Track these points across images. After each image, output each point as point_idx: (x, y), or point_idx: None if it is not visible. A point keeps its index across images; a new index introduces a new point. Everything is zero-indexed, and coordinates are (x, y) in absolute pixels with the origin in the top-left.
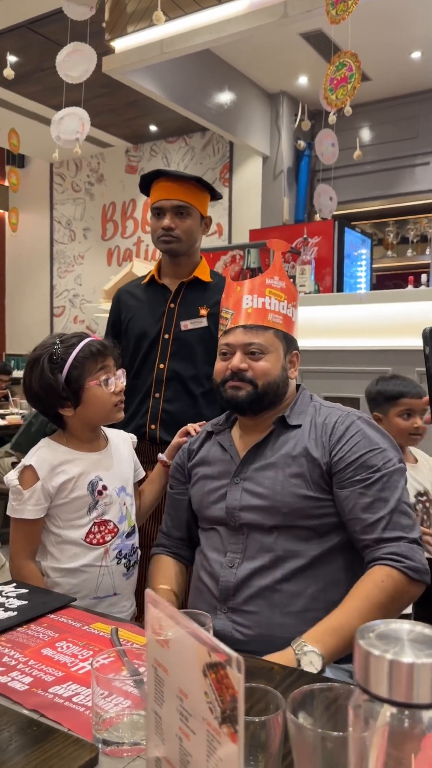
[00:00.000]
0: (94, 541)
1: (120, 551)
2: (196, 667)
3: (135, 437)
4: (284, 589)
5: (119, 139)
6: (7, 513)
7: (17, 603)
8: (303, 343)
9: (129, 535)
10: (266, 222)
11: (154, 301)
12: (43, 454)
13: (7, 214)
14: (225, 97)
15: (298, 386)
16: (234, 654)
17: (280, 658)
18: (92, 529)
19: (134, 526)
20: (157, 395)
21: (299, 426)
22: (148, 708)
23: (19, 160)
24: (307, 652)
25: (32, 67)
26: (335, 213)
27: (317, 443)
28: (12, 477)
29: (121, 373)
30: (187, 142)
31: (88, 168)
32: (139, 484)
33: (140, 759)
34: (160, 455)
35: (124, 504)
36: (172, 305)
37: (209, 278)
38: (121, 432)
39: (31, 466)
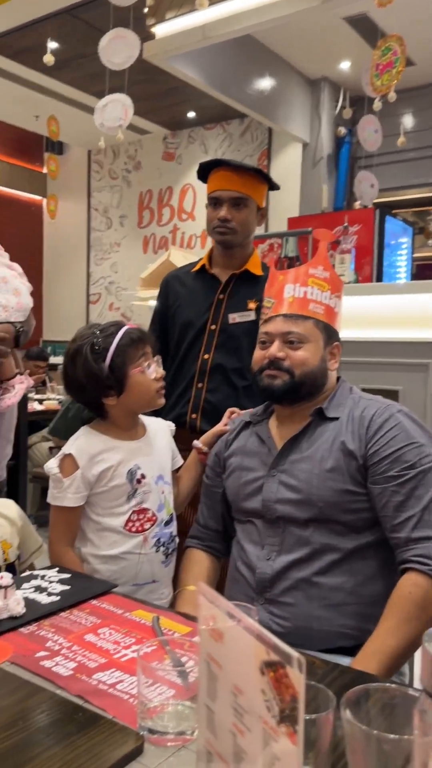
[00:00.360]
0: (133, 529)
1: (159, 539)
2: (252, 664)
3: (173, 425)
4: (322, 582)
5: (157, 126)
6: (48, 500)
7: (60, 588)
8: (341, 333)
9: (167, 523)
10: (304, 210)
11: (202, 291)
12: (83, 442)
13: (45, 201)
14: (265, 83)
15: (338, 378)
16: (295, 653)
17: None
18: (131, 517)
19: (172, 514)
20: (200, 385)
21: (337, 418)
22: (200, 702)
23: (58, 147)
24: None
25: (73, 54)
26: (375, 201)
27: (354, 436)
28: (52, 465)
29: (158, 359)
30: (225, 129)
31: (126, 155)
32: (176, 472)
33: (185, 749)
34: (195, 442)
35: (162, 492)
36: (221, 296)
37: (260, 271)
38: (160, 420)
39: (71, 454)
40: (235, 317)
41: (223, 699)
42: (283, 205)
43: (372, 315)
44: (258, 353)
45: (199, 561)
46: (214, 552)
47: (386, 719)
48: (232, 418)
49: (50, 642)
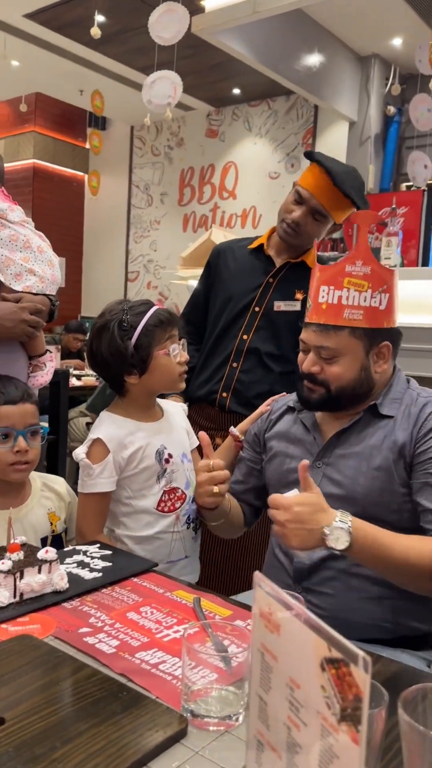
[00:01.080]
0: (166, 509)
1: (189, 516)
2: (312, 659)
3: (186, 406)
4: (361, 574)
5: (201, 102)
6: (79, 490)
7: (101, 564)
8: None
9: (194, 499)
10: None
11: (254, 270)
12: (110, 427)
13: (87, 176)
14: (314, 60)
15: (394, 368)
16: (360, 652)
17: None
18: (163, 498)
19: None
20: (234, 365)
21: (391, 417)
22: (252, 692)
23: (101, 123)
24: (337, 528)
25: (120, 28)
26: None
27: (406, 434)
28: (80, 452)
29: (183, 343)
30: (270, 106)
31: (169, 131)
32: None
33: (229, 734)
34: (232, 429)
35: (187, 470)
36: (270, 280)
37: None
38: (172, 402)
39: (99, 439)
40: (280, 305)
41: (277, 691)
42: None
43: (417, 300)
44: (300, 358)
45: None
46: (240, 503)
47: None
48: (271, 404)
49: (93, 618)
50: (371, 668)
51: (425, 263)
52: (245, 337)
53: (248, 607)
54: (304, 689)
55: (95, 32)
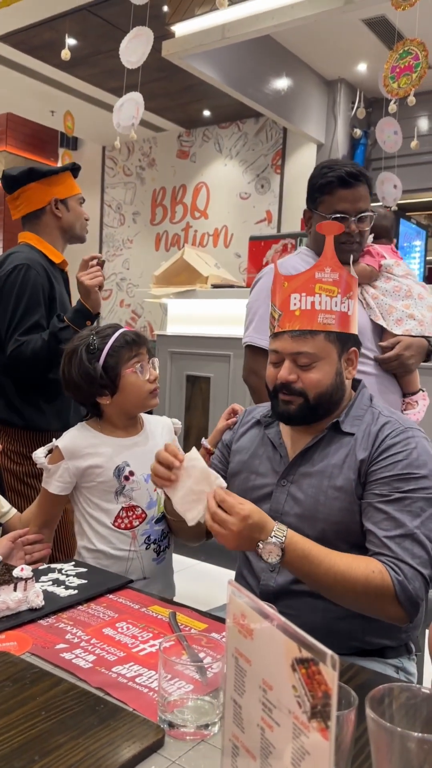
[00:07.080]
0: (122, 526)
1: (149, 536)
2: (283, 661)
3: (179, 422)
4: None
5: (172, 124)
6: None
7: (77, 581)
8: None
9: (158, 521)
10: None
11: (64, 285)
12: (72, 436)
13: None
14: (282, 83)
15: (359, 382)
16: (328, 651)
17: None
18: (120, 514)
19: (164, 512)
20: None
21: (353, 434)
22: (226, 696)
23: (72, 143)
24: (270, 543)
25: (90, 51)
26: None
27: (365, 453)
28: (39, 454)
29: (155, 361)
30: (240, 128)
31: (140, 152)
32: None
33: (205, 743)
34: (203, 440)
35: (154, 490)
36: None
37: None
38: (163, 419)
39: (57, 447)
40: None
41: (251, 694)
42: (297, 205)
43: None
44: (270, 372)
45: None
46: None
47: (410, 719)
48: (234, 414)
49: (69, 635)
50: (339, 665)
51: None
52: None
53: (223, 620)
54: (277, 690)
55: (65, 54)
